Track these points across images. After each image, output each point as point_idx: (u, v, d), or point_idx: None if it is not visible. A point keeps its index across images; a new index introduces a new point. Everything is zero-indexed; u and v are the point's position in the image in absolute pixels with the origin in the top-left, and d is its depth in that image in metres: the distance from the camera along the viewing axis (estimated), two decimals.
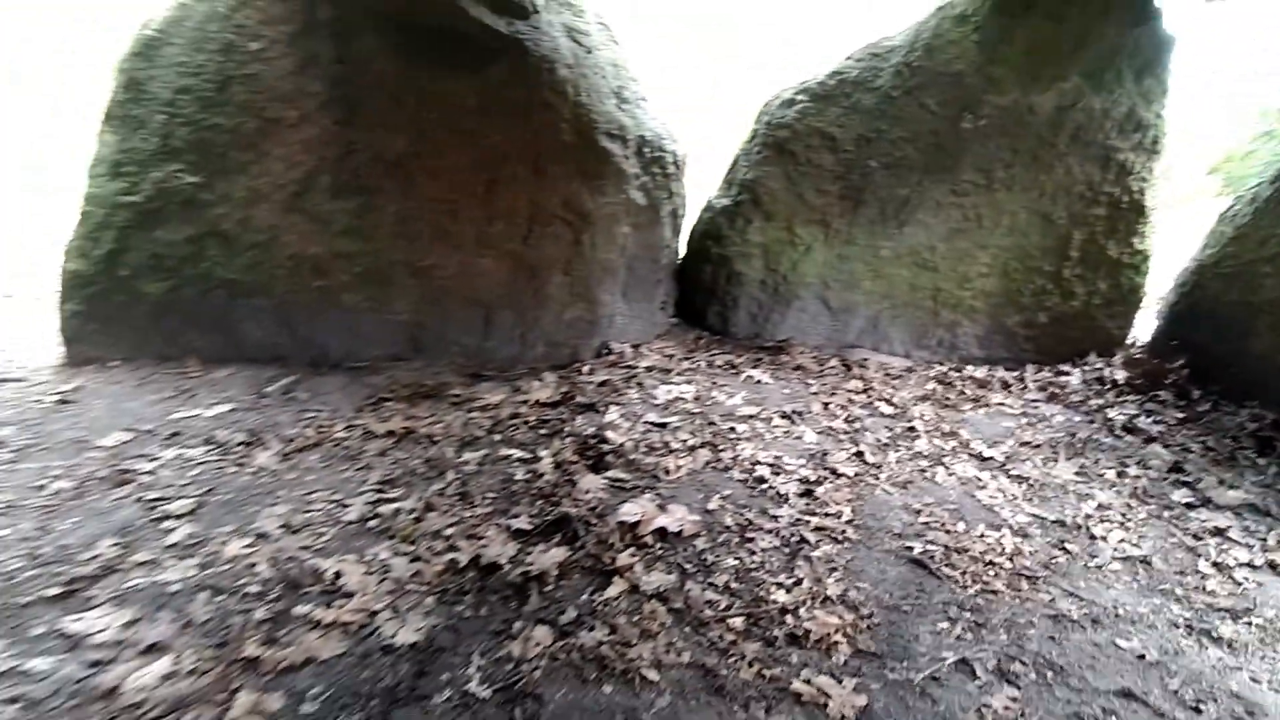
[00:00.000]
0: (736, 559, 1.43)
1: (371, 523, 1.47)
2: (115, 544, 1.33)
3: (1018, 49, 2.21)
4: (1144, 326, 2.80)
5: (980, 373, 2.59)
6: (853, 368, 2.49)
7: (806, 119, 2.42)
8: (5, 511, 1.41)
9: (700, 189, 2.79)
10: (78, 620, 1.13)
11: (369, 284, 2.16)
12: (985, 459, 1.94)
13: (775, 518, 1.59)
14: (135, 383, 2.04)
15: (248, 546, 1.36)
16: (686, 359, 2.47)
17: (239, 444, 1.73)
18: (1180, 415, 2.31)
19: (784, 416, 2.08)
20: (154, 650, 1.10)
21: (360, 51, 1.97)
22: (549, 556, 1.38)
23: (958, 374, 2.55)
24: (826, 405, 2.18)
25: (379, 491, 1.58)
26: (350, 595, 1.25)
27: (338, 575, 1.30)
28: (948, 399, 2.34)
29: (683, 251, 2.75)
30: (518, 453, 1.79)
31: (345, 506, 1.52)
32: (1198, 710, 1.13)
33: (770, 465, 1.79)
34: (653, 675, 1.13)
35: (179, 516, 1.44)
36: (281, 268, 2.10)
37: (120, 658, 1.08)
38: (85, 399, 1.93)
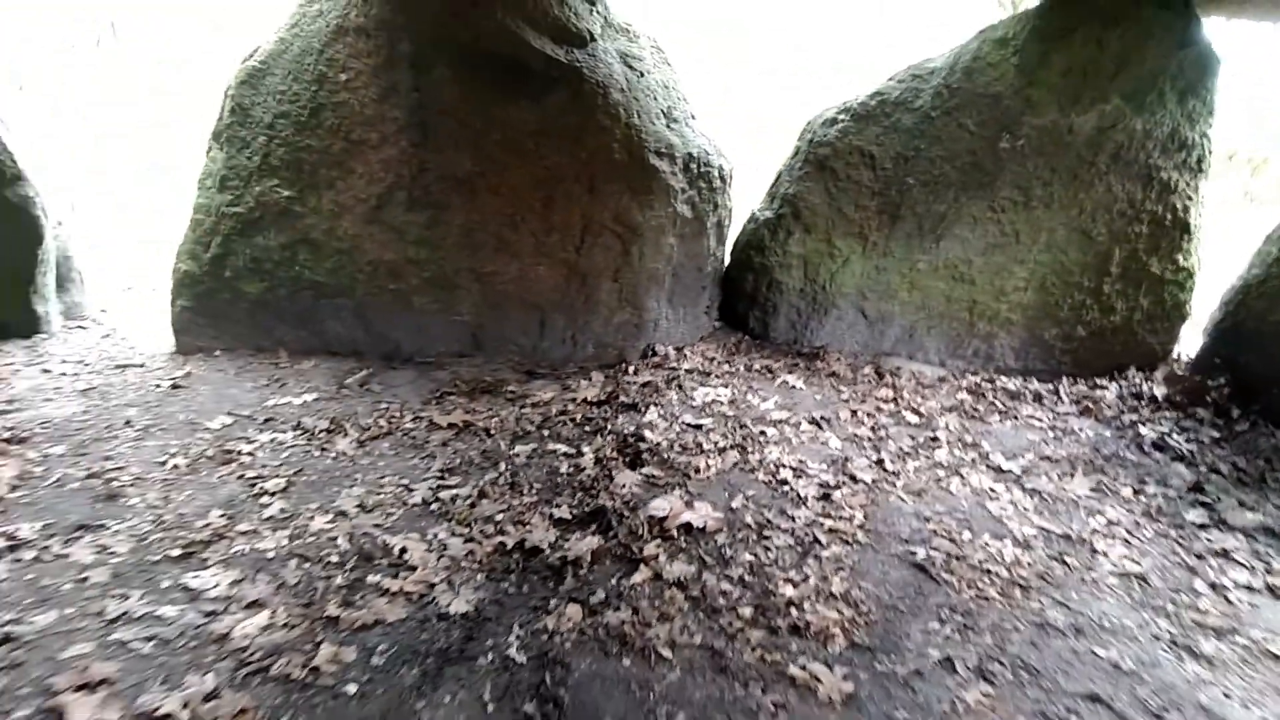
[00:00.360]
0: (752, 555, 1.59)
1: (433, 506, 1.69)
2: (222, 514, 1.59)
3: (1056, 72, 2.26)
4: (1190, 343, 2.81)
5: (1014, 384, 2.65)
6: (885, 376, 2.59)
7: (847, 137, 2.52)
8: (135, 483, 1.68)
9: (746, 199, 2.92)
10: (196, 577, 1.38)
11: (437, 288, 2.38)
12: (1003, 471, 2.04)
13: (792, 518, 1.74)
14: (235, 371, 2.32)
15: (329, 522, 1.59)
16: (726, 362, 2.63)
17: (323, 430, 1.98)
18: (1215, 434, 2.34)
19: (812, 422, 2.21)
20: (255, 605, 1.33)
21: (434, 81, 2.18)
22: (584, 544, 1.57)
23: (990, 385, 2.63)
24: (855, 413, 2.30)
25: (440, 478, 1.80)
26: (413, 569, 1.47)
27: (403, 551, 1.52)
28: (976, 410, 2.43)
29: (728, 259, 2.90)
30: (563, 448, 1.99)
31: (411, 490, 1.74)
32: (1160, 717, 1.24)
33: (793, 469, 1.94)
34: (666, 653, 1.30)
35: (273, 493, 1.69)
36: (361, 272, 2.35)
37: (229, 610, 1.32)
38: (194, 385, 2.22)
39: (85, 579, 1.35)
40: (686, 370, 2.51)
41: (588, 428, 2.10)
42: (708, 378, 2.47)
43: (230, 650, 1.23)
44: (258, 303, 2.36)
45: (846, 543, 1.67)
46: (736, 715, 1.17)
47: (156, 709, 1.08)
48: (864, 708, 1.22)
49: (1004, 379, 2.67)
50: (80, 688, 1.11)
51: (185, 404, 2.08)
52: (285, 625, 1.29)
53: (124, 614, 1.27)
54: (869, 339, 2.70)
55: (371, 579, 1.42)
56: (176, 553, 1.45)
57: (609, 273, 2.42)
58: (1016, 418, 2.40)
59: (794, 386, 2.45)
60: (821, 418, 2.24)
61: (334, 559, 1.47)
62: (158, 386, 2.18)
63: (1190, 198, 2.44)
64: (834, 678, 1.28)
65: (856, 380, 2.55)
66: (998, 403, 2.49)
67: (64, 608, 1.28)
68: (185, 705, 1.09)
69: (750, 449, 2.03)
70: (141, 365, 2.33)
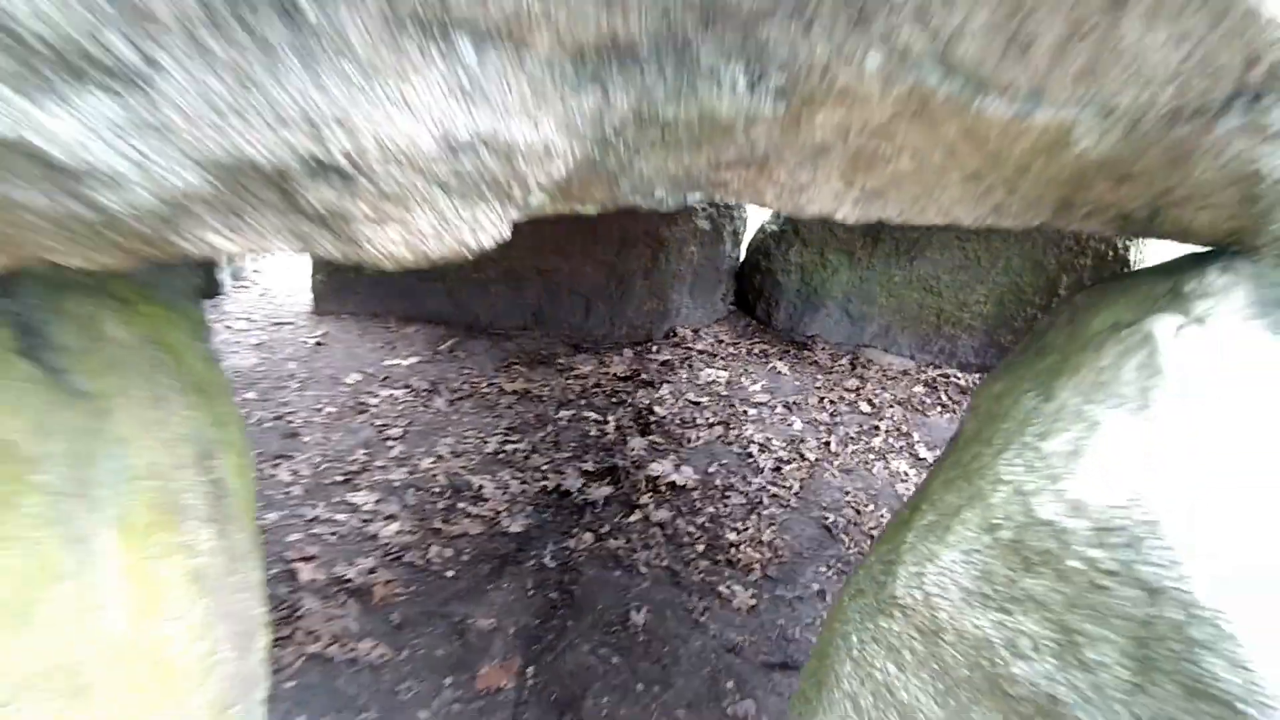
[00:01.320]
0: (714, 508, 2.32)
1: (500, 455, 2.46)
2: (364, 453, 2.39)
3: None
4: None
5: (966, 379, 3.23)
6: (857, 367, 3.21)
7: None
8: (305, 425, 2.50)
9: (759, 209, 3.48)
10: (354, 496, 2.20)
11: (508, 278, 3.08)
12: (919, 458, 2.69)
13: (749, 483, 2.45)
14: (359, 333, 3.12)
15: (432, 463, 2.38)
16: (733, 345, 3.29)
17: (424, 390, 2.76)
18: None
19: (785, 406, 2.88)
20: (390, 518, 2.14)
21: None
22: (600, 491, 2.32)
23: (946, 380, 3.22)
24: (821, 399, 2.95)
25: (505, 435, 2.57)
26: (486, 500, 2.25)
27: (480, 487, 2.29)
28: (923, 403, 3.05)
29: (744, 255, 3.50)
30: (594, 415, 2.72)
31: (485, 442, 2.51)
32: None
33: (760, 444, 2.63)
34: (643, 570, 2.05)
35: (394, 439, 2.48)
36: (451, 265, 3.06)
37: (375, 519, 2.12)
38: (331, 344, 3.02)
39: (289, 492, 2.18)
40: (699, 350, 3.19)
41: (614, 399, 2.82)
42: (713, 359, 3.15)
43: (379, 545, 2.03)
44: (373, 280, 3.12)
45: (782, 506, 2.38)
46: (680, 612, 1.92)
47: (343, 575, 1.90)
48: (760, 614, 1.96)
49: (961, 375, 3.25)
50: (300, 559, 1.94)
51: (328, 360, 2.89)
52: (409, 532, 2.09)
53: (315, 517, 2.10)
54: (851, 332, 3.30)
55: (460, 505, 2.21)
56: (340, 479, 2.26)
57: (641, 272, 3.07)
58: (954, 412, 3.01)
59: (780, 372, 3.11)
60: (794, 402, 2.91)
61: (436, 489, 2.26)
62: (305, 344, 2.99)
63: (1129, 239, 2.90)
64: (745, 595, 2.02)
65: (833, 369, 3.18)
66: (945, 397, 3.10)
67: (280, 510, 2.11)
68: (358, 575, 1.91)
69: (732, 425, 2.73)
70: (292, 323, 3.14)
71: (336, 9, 0.43)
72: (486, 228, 0.59)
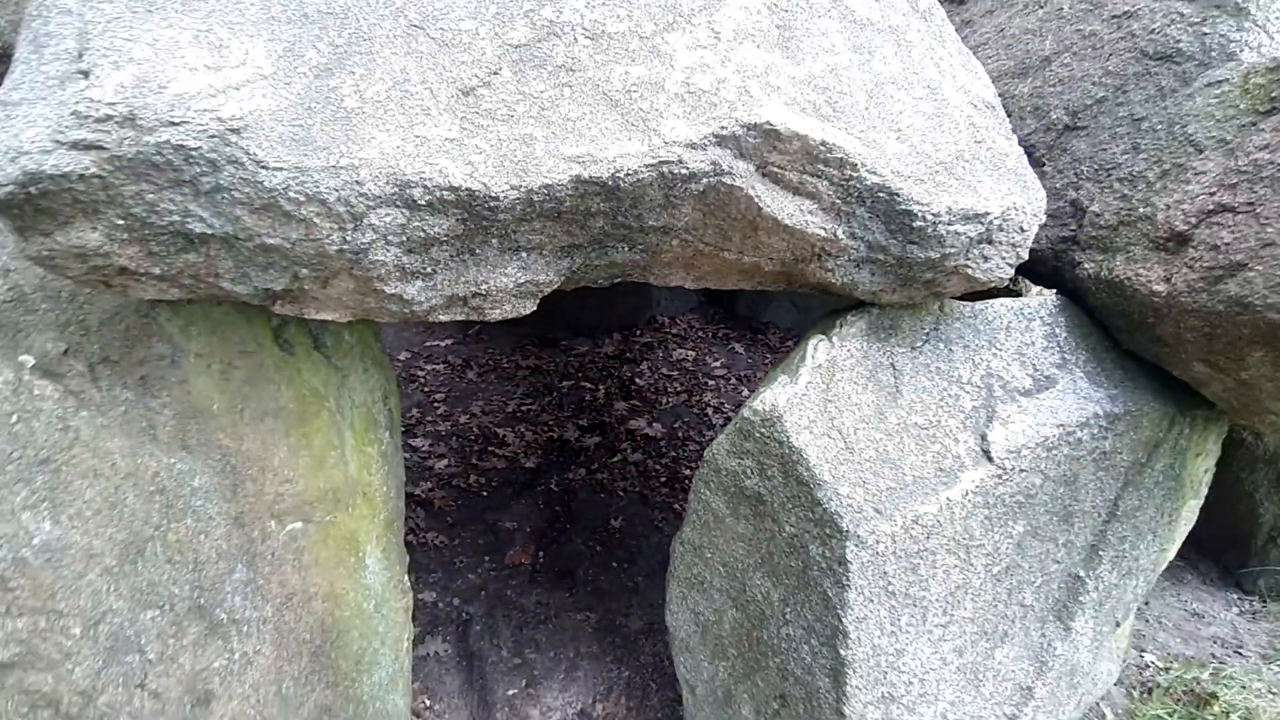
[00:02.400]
0: (675, 453, 3.13)
1: (517, 414, 3.27)
2: (417, 410, 3.19)
3: None
4: None
5: None
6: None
7: None
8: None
9: None
10: (414, 441, 3.01)
11: None
12: None
13: (704, 436, 3.25)
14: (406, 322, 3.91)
15: (468, 419, 3.19)
16: (701, 330, 4.07)
17: (459, 365, 3.56)
18: None
19: (739, 379, 3.68)
20: (439, 456, 2.95)
21: None
22: (591, 440, 3.14)
23: None
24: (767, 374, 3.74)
25: (521, 399, 3.37)
26: (508, 445, 3.06)
27: (504, 436, 3.11)
28: None
29: None
30: (588, 384, 3.52)
31: (506, 404, 3.32)
32: None
33: (715, 408, 3.43)
34: (621, 495, 2.87)
35: (439, 401, 3.29)
36: None
37: (429, 459, 2.94)
38: (386, 330, 3.81)
39: None
40: (673, 335, 3.98)
41: (604, 373, 3.62)
42: (684, 341, 3.94)
43: (434, 474, 2.85)
44: None
45: None
46: (644, 521, 2.74)
47: (413, 492, 2.72)
48: None
49: None
50: None
51: (385, 343, 3.68)
52: (454, 466, 2.91)
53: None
54: (798, 319, 4.08)
55: (489, 448, 3.02)
56: (402, 429, 3.07)
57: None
58: None
59: (738, 352, 3.90)
60: (745, 375, 3.70)
61: (472, 437, 3.08)
62: None
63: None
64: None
65: (780, 349, 3.97)
66: None
67: None
68: (422, 492, 2.73)
69: (695, 393, 3.53)
70: None
71: None
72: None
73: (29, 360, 1.22)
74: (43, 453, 1.21)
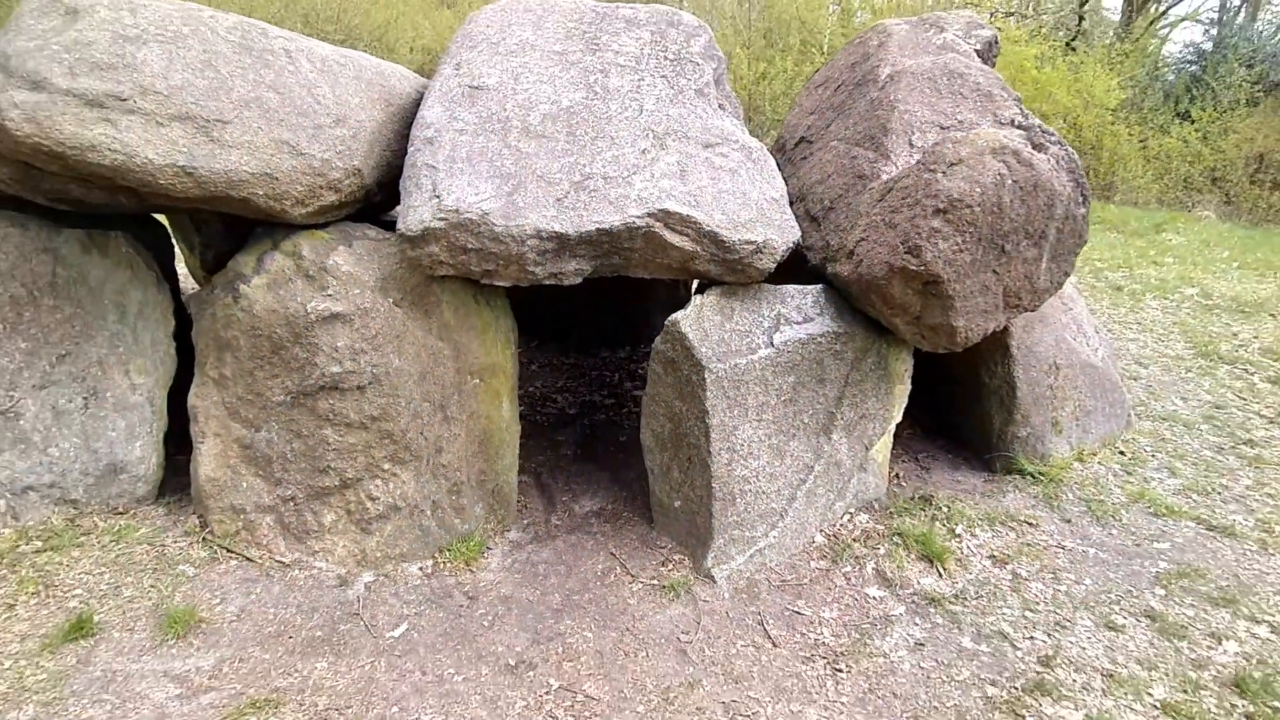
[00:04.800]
0: None
1: (563, 388, 5.17)
2: None
3: None
4: None
5: None
6: None
7: None
8: None
9: None
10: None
11: (570, 307, 5.83)
12: None
13: None
14: None
15: (533, 389, 5.09)
16: None
17: (526, 362, 5.49)
18: None
19: None
20: (521, 407, 4.86)
21: None
22: (609, 401, 5.02)
23: None
24: None
25: (565, 380, 5.27)
26: (557, 403, 4.95)
27: (555, 398, 5.01)
28: None
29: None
30: (608, 372, 5.42)
31: (556, 383, 5.22)
32: None
33: None
34: (624, 427, 4.72)
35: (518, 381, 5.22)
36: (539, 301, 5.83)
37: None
38: None
39: None
40: None
41: (618, 367, 5.53)
42: None
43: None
44: None
45: None
46: (635, 439, 4.58)
47: None
48: None
49: None
50: None
51: None
52: (527, 412, 4.80)
53: None
54: None
55: (547, 404, 4.91)
56: None
57: (635, 303, 5.79)
58: None
59: None
60: None
61: (536, 397, 4.98)
62: None
63: None
64: None
65: None
66: None
67: None
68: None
69: None
70: None
71: None
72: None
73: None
74: (377, 332, 3.15)
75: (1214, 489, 3.93)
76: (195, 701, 2.39)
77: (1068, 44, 19.32)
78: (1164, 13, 23.68)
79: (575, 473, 4.10)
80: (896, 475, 3.99)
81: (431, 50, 16.03)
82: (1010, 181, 2.88)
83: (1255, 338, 6.08)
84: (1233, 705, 2.51)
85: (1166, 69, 20.39)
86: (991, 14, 18.17)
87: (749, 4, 21.40)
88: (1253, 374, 5.39)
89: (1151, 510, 3.69)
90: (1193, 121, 15.66)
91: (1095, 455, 4.20)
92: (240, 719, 2.33)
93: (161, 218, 4.18)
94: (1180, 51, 21.14)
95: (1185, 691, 2.57)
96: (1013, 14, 24.63)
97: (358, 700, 2.45)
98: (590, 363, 5.55)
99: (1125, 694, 2.56)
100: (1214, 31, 20.81)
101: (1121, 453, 4.28)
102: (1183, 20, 23.76)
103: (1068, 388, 4.16)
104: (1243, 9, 25.37)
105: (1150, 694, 2.56)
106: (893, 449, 4.03)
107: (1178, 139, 15.20)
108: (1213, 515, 3.66)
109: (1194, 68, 19.48)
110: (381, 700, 2.47)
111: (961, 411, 4.33)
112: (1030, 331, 4.05)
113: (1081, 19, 23.75)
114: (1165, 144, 15.11)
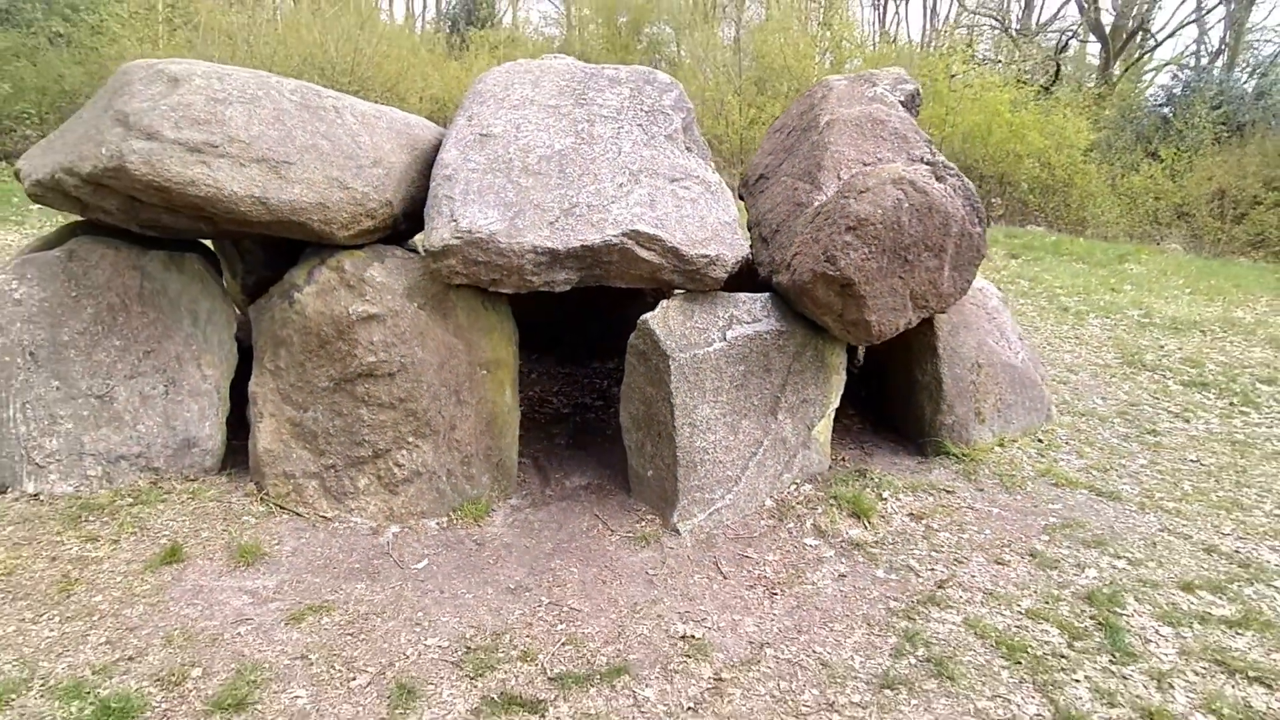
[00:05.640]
0: None
1: (559, 391, 5.90)
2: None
3: None
4: None
5: None
6: None
7: None
8: None
9: None
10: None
11: (564, 322, 6.60)
12: None
13: None
14: None
15: (532, 393, 5.82)
16: None
17: (526, 371, 6.22)
18: None
19: None
20: (523, 405, 5.59)
21: None
22: (597, 403, 5.74)
23: None
24: None
25: (559, 385, 6.00)
26: (553, 403, 5.68)
27: (551, 400, 5.74)
28: None
29: None
30: (597, 380, 6.15)
31: (552, 388, 5.96)
32: None
33: None
34: (609, 423, 5.42)
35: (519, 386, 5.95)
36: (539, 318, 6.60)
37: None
38: None
39: None
40: None
41: (605, 375, 6.26)
42: None
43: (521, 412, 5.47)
44: None
45: None
46: (618, 433, 5.29)
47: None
48: None
49: None
50: None
51: None
52: (527, 411, 5.52)
53: None
54: None
55: (545, 404, 5.64)
56: None
57: (619, 316, 6.55)
58: None
59: None
60: None
61: (535, 399, 5.70)
62: None
63: None
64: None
65: None
66: None
67: None
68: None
69: None
70: None
71: None
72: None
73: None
74: (406, 332, 3.91)
75: (1112, 467, 4.61)
76: (264, 607, 3.08)
77: (1046, 89, 20.44)
78: (1138, 60, 24.88)
79: (567, 457, 4.80)
80: (843, 459, 4.68)
81: (439, 99, 17.15)
82: (907, 205, 3.65)
83: (1180, 349, 6.80)
84: (1082, 611, 3.17)
85: (1139, 111, 21.43)
86: (967, 61, 19.29)
87: (741, 54, 22.66)
88: (1169, 379, 6.09)
89: (1054, 482, 4.37)
90: (1160, 160, 16.56)
91: (1015, 442, 4.88)
92: (301, 618, 3.01)
93: (208, 244, 4.97)
94: (1152, 94, 22.26)
95: (1047, 603, 3.23)
96: (997, 62, 25.90)
97: (390, 608, 3.14)
98: (582, 372, 6.28)
99: (999, 605, 3.23)
100: (1183, 75, 21.93)
101: (1039, 440, 4.97)
102: (1166, 65, 25.01)
103: (989, 384, 4.87)
104: (1222, 54, 26.66)
105: (1019, 605, 3.23)
106: (841, 439, 4.75)
107: (1145, 177, 16.09)
108: (1105, 486, 4.34)
109: (1165, 109, 20.53)
110: (409, 608, 3.15)
111: (900, 405, 5.04)
112: (956, 335, 4.77)
113: (1059, 66, 24.98)
114: (1134, 182, 15.99)
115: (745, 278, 4.52)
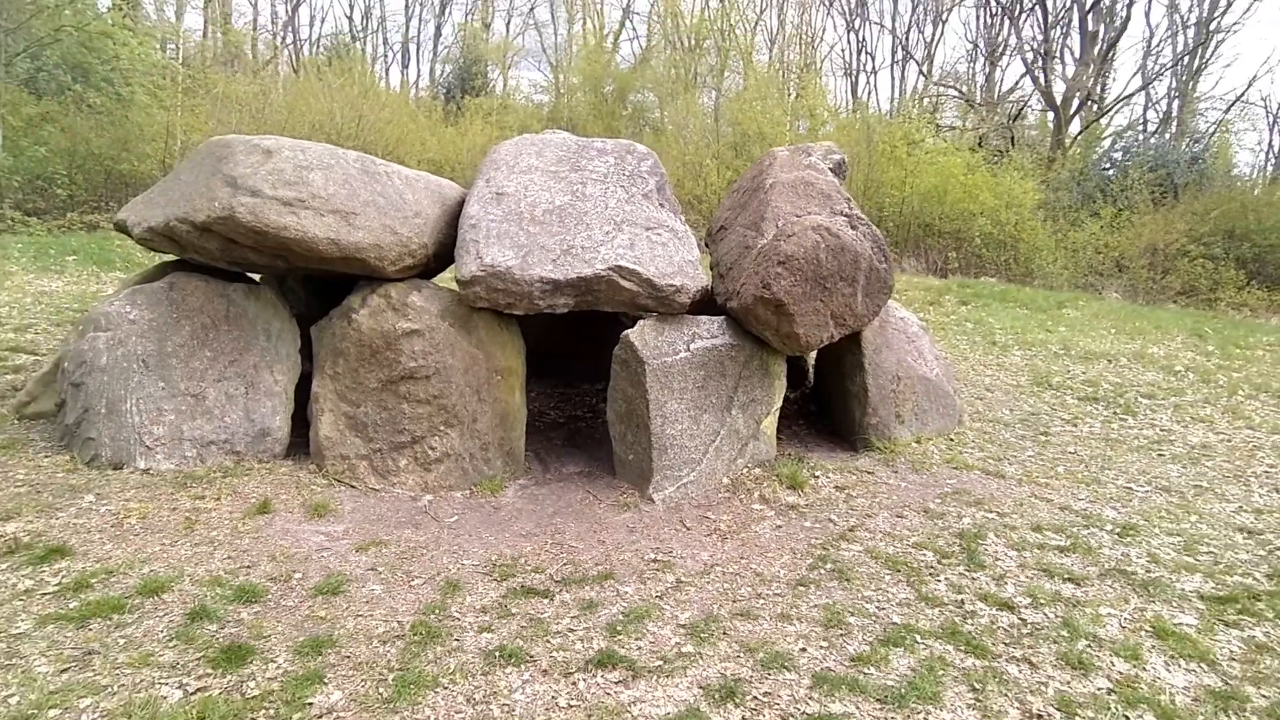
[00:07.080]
0: None
1: (556, 406, 6.96)
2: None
3: None
4: None
5: None
6: None
7: None
8: None
9: None
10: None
11: (561, 352, 7.70)
12: None
13: None
14: None
15: (533, 408, 6.89)
16: None
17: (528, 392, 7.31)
18: None
19: None
20: (529, 414, 6.65)
21: None
22: (587, 415, 6.81)
23: None
24: None
25: (556, 402, 7.07)
26: (551, 415, 6.74)
27: (549, 412, 6.80)
28: None
29: None
30: (589, 398, 7.22)
31: (550, 403, 7.01)
32: None
33: None
34: (598, 429, 6.49)
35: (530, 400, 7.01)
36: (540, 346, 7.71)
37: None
38: None
39: None
40: None
41: (595, 395, 7.34)
42: None
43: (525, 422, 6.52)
44: None
45: None
46: (606, 438, 6.35)
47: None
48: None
49: None
50: None
51: None
52: (531, 418, 6.59)
53: None
54: None
55: (544, 415, 6.70)
56: None
57: (609, 346, 7.67)
58: None
59: None
60: None
61: (535, 412, 6.76)
62: None
63: None
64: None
65: None
66: None
67: None
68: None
69: None
70: None
71: None
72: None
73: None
74: (440, 342, 5.01)
75: (1005, 457, 5.72)
76: (337, 543, 4.09)
77: (1003, 153, 22.26)
78: (1088, 127, 26.94)
79: (563, 452, 5.86)
80: (788, 452, 5.76)
81: (436, 161, 18.51)
82: (824, 245, 4.84)
83: (1084, 373, 7.99)
84: (953, 542, 4.23)
85: (1087, 173, 23.30)
86: (929, 125, 21.11)
87: (720, 121, 24.48)
88: (1068, 395, 7.26)
89: (955, 466, 5.47)
90: (1100, 218, 18.17)
91: (930, 440, 5.99)
92: (366, 549, 4.02)
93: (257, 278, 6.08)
94: (1097, 158, 24.17)
95: (928, 539, 4.29)
96: (959, 130, 27.94)
97: (432, 544, 4.15)
98: (575, 392, 7.37)
99: (893, 540, 4.29)
100: (1122, 141, 23.93)
101: (951, 439, 6.08)
102: (1126, 130, 27.06)
103: (907, 392, 6.00)
104: (1175, 122, 28.86)
105: (908, 541, 4.28)
106: (789, 440, 5.84)
107: (1088, 233, 17.65)
108: (995, 468, 5.45)
109: (1109, 172, 22.39)
110: (447, 544, 4.17)
111: (837, 411, 6.16)
112: (879, 353, 5.93)
113: (1013, 134, 27.02)
114: (1076, 236, 17.54)
115: (707, 305, 5.67)
